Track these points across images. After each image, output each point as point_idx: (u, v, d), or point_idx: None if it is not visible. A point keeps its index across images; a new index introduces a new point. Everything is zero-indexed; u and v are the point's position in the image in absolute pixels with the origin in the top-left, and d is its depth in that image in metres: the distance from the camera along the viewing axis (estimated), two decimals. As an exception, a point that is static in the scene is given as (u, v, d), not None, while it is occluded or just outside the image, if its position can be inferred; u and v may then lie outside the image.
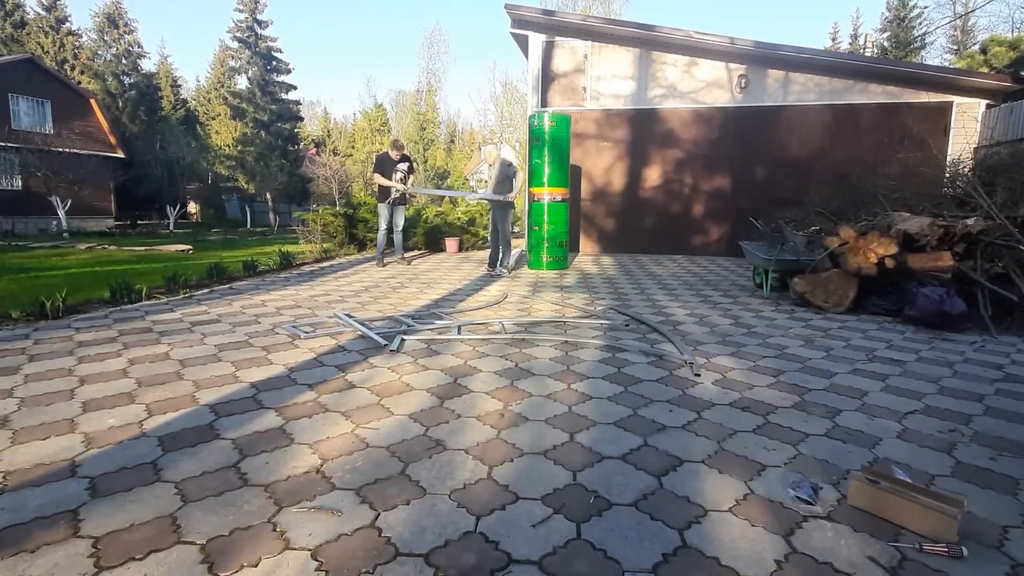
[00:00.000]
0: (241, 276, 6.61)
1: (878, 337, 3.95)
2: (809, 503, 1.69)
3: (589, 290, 5.96)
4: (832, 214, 6.63)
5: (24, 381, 2.75)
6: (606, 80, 10.28)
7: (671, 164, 10.28)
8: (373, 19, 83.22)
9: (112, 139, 23.91)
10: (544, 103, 10.45)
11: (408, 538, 1.51)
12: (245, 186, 29.55)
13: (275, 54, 29.79)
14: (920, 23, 27.21)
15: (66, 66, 28.24)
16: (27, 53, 24.27)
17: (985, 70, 14.24)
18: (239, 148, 29.07)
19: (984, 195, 5.11)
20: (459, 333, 3.86)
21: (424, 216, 11.27)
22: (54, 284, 5.69)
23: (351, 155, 36.37)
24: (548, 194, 7.60)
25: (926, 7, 28.34)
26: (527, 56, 10.59)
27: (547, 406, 2.50)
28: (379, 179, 7.63)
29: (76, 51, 28.97)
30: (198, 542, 1.48)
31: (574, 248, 10.39)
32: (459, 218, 11.10)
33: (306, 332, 3.79)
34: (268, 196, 28.58)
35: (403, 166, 7.71)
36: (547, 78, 10.46)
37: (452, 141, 44.37)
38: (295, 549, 1.45)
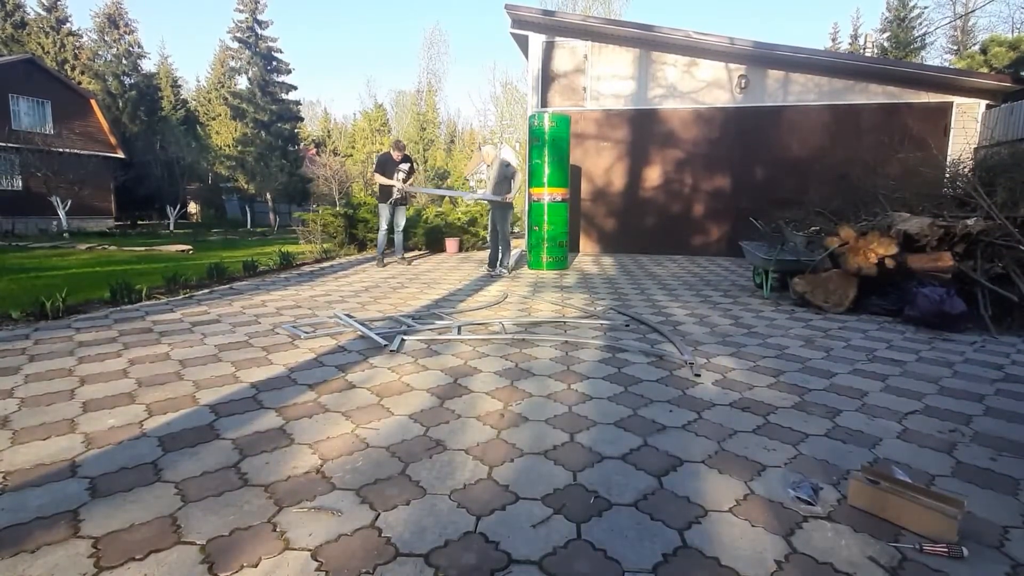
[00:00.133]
0: (241, 276, 6.61)
1: (878, 337, 3.94)
2: (809, 503, 1.69)
3: (589, 290, 5.96)
4: (832, 214, 6.64)
5: (24, 381, 2.75)
6: (606, 80, 10.28)
7: (671, 164, 10.29)
8: (373, 19, 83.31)
9: (112, 139, 23.92)
10: (544, 103, 10.45)
11: (408, 538, 1.51)
12: (245, 186, 29.55)
13: (275, 54, 29.80)
14: (920, 23, 27.24)
15: (66, 66, 28.24)
16: (27, 53, 24.28)
17: (985, 70, 14.25)
18: (239, 148, 29.07)
19: (984, 195, 5.11)
20: (459, 333, 3.86)
21: (424, 216, 11.27)
22: (54, 284, 5.69)
23: (351, 155, 36.37)
24: (548, 194, 7.60)
25: (926, 7, 28.37)
26: (527, 56, 10.59)
27: (547, 406, 2.50)
28: (380, 179, 7.63)
29: (76, 51, 28.98)
30: (198, 542, 1.48)
31: (574, 248, 10.39)
32: (459, 218, 11.10)
33: (306, 332, 3.79)
34: (268, 196, 28.58)
35: (404, 166, 7.71)
36: (547, 78, 10.46)
37: (452, 141, 44.38)
38: (295, 549, 1.45)
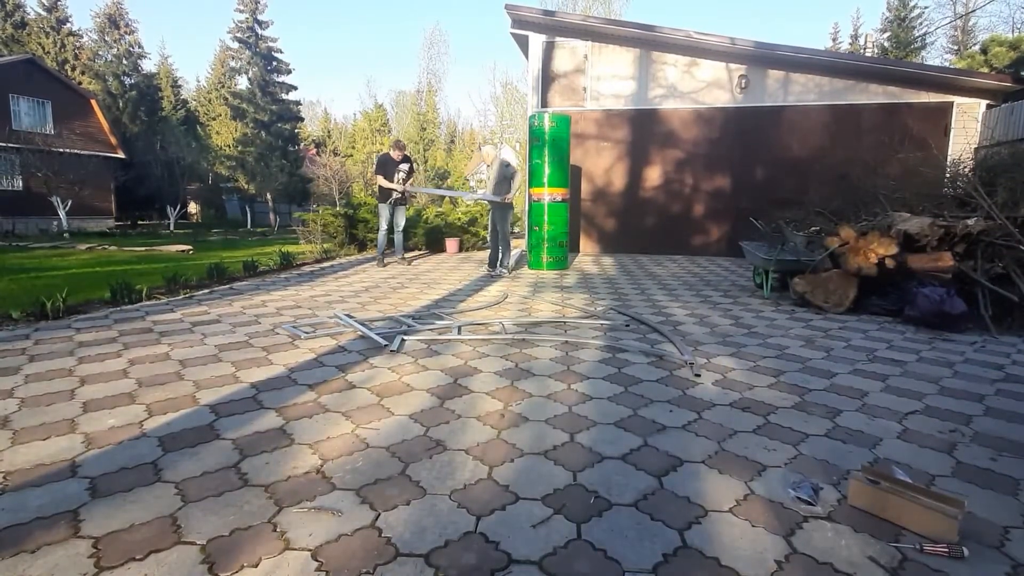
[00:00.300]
0: (241, 276, 6.61)
1: (878, 337, 3.94)
2: (809, 503, 1.69)
3: (589, 290, 5.96)
4: (832, 214, 6.63)
5: (24, 381, 2.75)
6: (606, 80, 10.28)
7: (671, 164, 10.28)
8: (373, 19, 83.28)
9: (112, 139, 23.92)
10: (544, 103, 10.45)
11: (408, 538, 1.51)
12: (245, 186, 29.55)
13: (275, 54, 29.80)
14: (920, 23, 27.23)
15: (67, 66, 28.24)
16: (28, 53, 24.28)
17: (985, 70, 14.24)
18: (239, 148, 29.07)
19: (984, 195, 5.11)
20: (459, 333, 3.86)
21: (424, 216, 11.27)
22: (54, 284, 5.69)
23: (351, 155, 36.37)
24: (548, 194, 7.60)
25: (926, 7, 28.40)
26: (527, 56, 10.59)
27: (547, 406, 2.50)
28: (381, 181, 7.64)
29: (77, 51, 28.98)
30: (198, 542, 1.48)
31: (574, 248, 10.39)
32: (459, 218, 11.10)
33: (306, 332, 3.79)
34: (268, 196, 28.59)
35: (404, 166, 7.71)
36: (547, 78, 10.46)
37: (452, 141, 44.36)
38: (295, 549, 1.45)
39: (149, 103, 30.31)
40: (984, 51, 15.65)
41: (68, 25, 28.83)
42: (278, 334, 3.79)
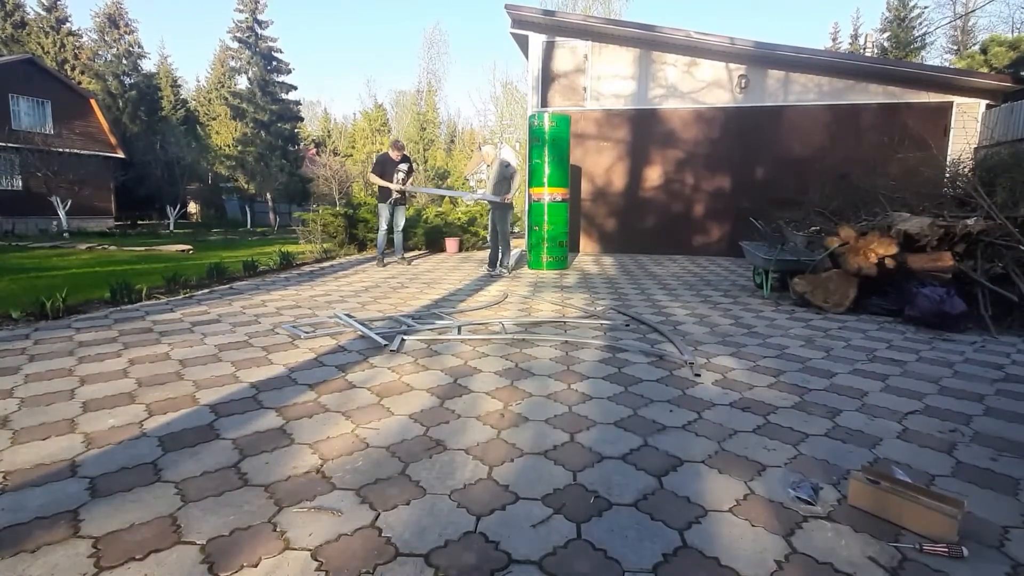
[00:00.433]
0: (241, 276, 6.61)
1: (878, 337, 3.94)
2: (809, 503, 1.69)
3: (589, 290, 5.96)
4: (832, 214, 6.64)
5: (24, 381, 2.75)
6: (606, 80, 10.28)
7: (671, 164, 10.28)
8: (373, 19, 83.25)
9: (112, 139, 23.92)
10: (544, 103, 10.45)
11: (408, 538, 1.51)
12: (245, 186, 29.56)
13: (275, 54, 29.81)
14: (920, 23, 27.22)
15: (66, 66, 28.25)
16: (27, 53, 24.29)
17: (985, 70, 14.24)
18: (239, 148, 29.08)
19: (984, 195, 5.11)
20: (459, 333, 3.86)
21: (424, 216, 11.27)
22: (54, 284, 5.69)
23: (351, 155, 36.37)
24: (548, 194, 7.60)
25: (926, 7, 28.36)
26: (527, 56, 10.59)
27: (547, 406, 2.50)
28: (375, 179, 7.62)
29: (76, 51, 28.99)
30: (198, 542, 1.48)
31: (574, 248, 10.39)
32: (459, 218, 11.10)
33: (306, 332, 3.79)
34: (268, 196, 28.59)
35: (403, 166, 7.71)
36: (547, 78, 10.46)
37: (452, 141, 44.35)
38: (295, 549, 1.45)
39: (149, 103, 30.31)
40: (984, 51, 15.65)
41: (68, 25, 28.85)
42: (278, 334, 3.79)
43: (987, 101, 9.18)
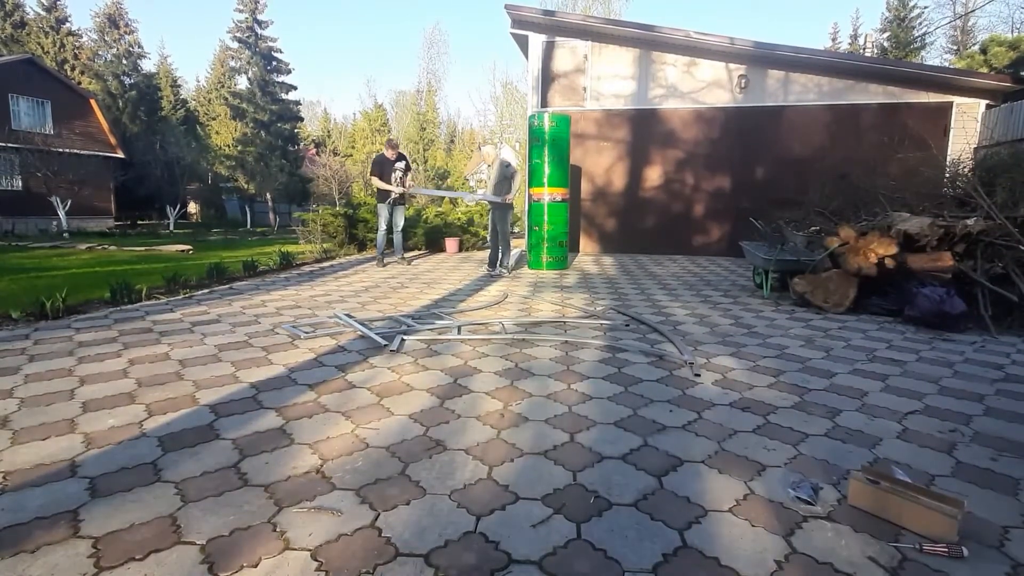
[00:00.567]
0: (241, 276, 6.61)
1: (878, 337, 3.94)
2: (809, 503, 1.69)
3: (589, 290, 5.96)
4: (832, 214, 6.64)
5: (24, 381, 2.75)
6: (606, 80, 10.28)
7: (671, 164, 10.29)
8: (373, 19, 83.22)
9: (112, 139, 23.92)
10: (544, 103, 10.45)
11: (408, 538, 1.51)
12: (245, 186, 29.55)
13: (275, 54, 29.80)
14: (920, 23, 27.22)
15: (66, 66, 28.25)
16: (27, 53, 24.28)
17: (985, 70, 14.25)
18: (239, 148, 29.07)
19: (984, 195, 5.11)
20: (459, 333, 3.86)
21: (424, 216, 11.27)
22: (54, 284, 5.69)
23: (351, 155, 36.38)
24: (548, 194, 7.60)
25: (926, 7, 28.37)
26: (527, 56, 10.59)
27: (547, 406, 2.50)
28: (378, 183, 7.63)
29: (76, 51, 28.98)
30: (198, 542, 1.48)
31: (574, 248, 10.39)
32: (459, 218, 11.10)
33: (306, 332, 3.79)
34: (268, 196, 28.58)
35: (400, 164, 7.71)
36: (547, 78, 10.46)
37: (452, 141, 44.33)
38: (295, 549, 1.45)
39: (149, 103, 30.31)
40: (984, 51, 15.66)
41: (67, 25, 28.84)
42: (278, 334, 3.79)
43: (987, 101, 9.18)
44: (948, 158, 7.81)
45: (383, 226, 7.78)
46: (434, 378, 2.88)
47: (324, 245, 10.02)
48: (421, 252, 10.21)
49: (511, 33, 10.49)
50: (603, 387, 2.77)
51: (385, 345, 3.47)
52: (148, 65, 31.93)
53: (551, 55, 10.42)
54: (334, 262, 8.52)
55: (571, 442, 2.13)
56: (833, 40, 35.57)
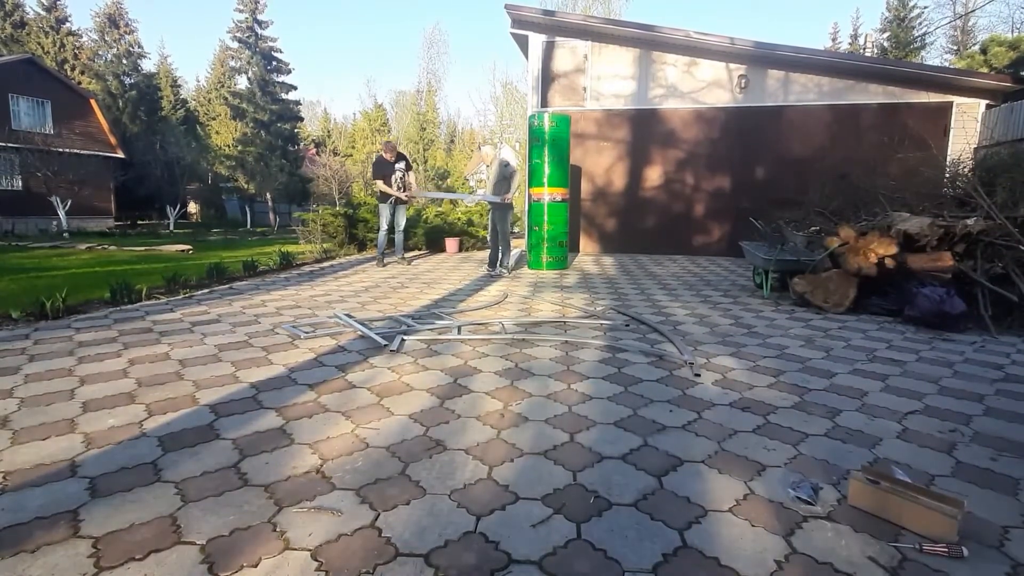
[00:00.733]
0: (241, 276, 6.61)
1: (878, 337, 3.94)
2: (809, 503, 1.69)
3: (589, 290, 5.96)
4: (832, 214, 6.64)
5: (24, 381, 2.75)
6: (606, 80, 10.28)
7: (671, 164, 10.29)
8: (373, 19, 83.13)
9: (112, 139, 23.91)
10: (544, 103, 10.45)
11: (408, 538, 1.51)
12: (245, 186, 29.55)
13: (275, 54, 29.81)
14: (920, 23, 27.22)
15: (66, 66, 28.24)
16: (27, 53, 24.27)
17: (985, 70, 14.25)
18: (239, 148, 29.07)
19: (984, 195, 5.11)
20: (459, 333, 3.86)
21: (424, 216, 11.28)
22: (54, 284, 5.69)
23: (351, 155, 36.38)
24: (548, 194, 7.60)
25: (926, 7, 28.37)
26: (527, 56, 10.59)
27: (547, 406, 2.50)
28: (382, 186, 7.63)
29: (76, 51, 28.98)
30: (198, 542, 1.48)
31: (574, 248, 10.39)
32: (459, 218, 11.10)
33: (306, 332, 3.79)
34: (268, 196, 28.58)
35: (400, 165, 7.71)
36: (547, 78, 10.46)
37: (452, 141, 44.33)
38: (295, 549, 1.45)
39: (149, 103, 30.31)
40: (984, 51, 15.66)
41: (67, 25, 28.84)
42: (278, 334, 3.79)
43: (987, 101, 9.18)
44: (948, 158, 7.81)
45: (384, 226, 7.78)
46: (434, 378, 2.88)
47: (324, 245, 10.02)
48: (421, 252, 10.22)
49: (511, 33, 10.48)
50: (603, 387, 2.77)
51: (385, 345, 3.47)
52: (148, 65, 31.97)
53: (551, 55, 10.42)
54: (334, 262, 8.52)
55: (571, 442, 2.13)
56: (833, 40, 35.58)
